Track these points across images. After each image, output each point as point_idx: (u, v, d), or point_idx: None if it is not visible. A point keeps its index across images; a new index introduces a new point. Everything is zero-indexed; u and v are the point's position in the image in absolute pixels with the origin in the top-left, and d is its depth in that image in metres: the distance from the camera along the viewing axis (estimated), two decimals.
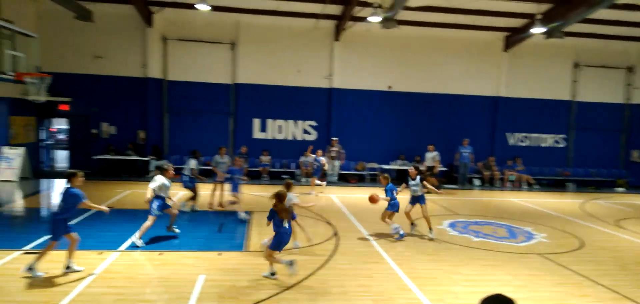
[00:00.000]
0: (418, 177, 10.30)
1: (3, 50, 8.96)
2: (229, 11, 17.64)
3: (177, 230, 9.59)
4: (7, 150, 16.03)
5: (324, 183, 16.69)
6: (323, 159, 16.25)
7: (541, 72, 20.79)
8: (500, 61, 20.39)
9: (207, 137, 19.14)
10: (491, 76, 20.49)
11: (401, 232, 10.03)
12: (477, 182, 19.70)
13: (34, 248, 8.31)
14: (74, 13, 15.38)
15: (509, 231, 11.33)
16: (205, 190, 13.11)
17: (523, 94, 20.74)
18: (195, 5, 15.10)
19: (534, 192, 18.56)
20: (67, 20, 16.82)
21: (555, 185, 20.58)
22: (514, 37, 19.61)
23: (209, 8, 15.03)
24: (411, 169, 10.43)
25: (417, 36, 19.72)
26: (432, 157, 17.14)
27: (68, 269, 7.21)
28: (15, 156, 15.96)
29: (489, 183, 19.67)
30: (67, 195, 7.04)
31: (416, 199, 10.42)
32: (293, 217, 7.67)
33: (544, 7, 16.62)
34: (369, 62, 19.79)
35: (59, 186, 15.64)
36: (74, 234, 7.23)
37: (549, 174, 20.80)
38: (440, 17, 18.04)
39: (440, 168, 18.63)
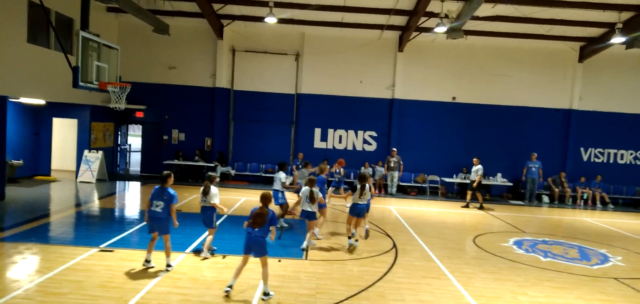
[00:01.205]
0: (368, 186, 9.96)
1: (90, 62, 9.77)
2: (295, 23, 18.07)
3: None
4: (87, 153, 17.37)
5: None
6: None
7: (620, 85, 19.41)
8: (574, 72, 19.30)
9: (269, 145, 19.67)
10: (563, 87, 19.43)
11: None
12: (546, 199, 18.69)
13: (108, 245, 8.92)
14: (152, 26, 16.44)
15: (581, 252, 10.66)
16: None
17: (599, 107, 19.47)
18: (263, 18, 15.60)
19: (609, 212, 17.33)
20: (145, 33, 18.02)
21: (633, 205, 19.08)
22: (590, 47, 18.49)
23: (276, 20, 15.47)
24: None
25: (483, 46, 19.15)
26: (475, 170, 16.37)
27: (147, 262, 7.85)
28: (95, 159, 17.23)
29: (559, 200, 18.59)
30: (166, 194, 7.64)
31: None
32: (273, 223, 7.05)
33: (625, 15, 15.56)
34: (433, 73, 19.46)
35: (136, 187, 16.67)
36: (156, 234, 7.87)
37: (626, 193, 19.31)
38: (509, 26, 17.41)
39: (484, 182, 17.62)
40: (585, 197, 18.53)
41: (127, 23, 18.73)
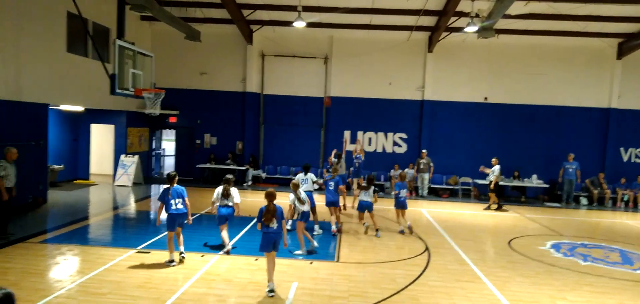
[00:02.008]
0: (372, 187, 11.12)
1: (126, 69, 10.08)
2: (323, 27, 18.13)
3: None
4: (123, 158, 17.90)
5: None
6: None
7: None
8: (612, 70, 18.64)
9: (299, 148, 19.79)
10: (601, 85, 18.79)
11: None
12: (583, 201, 18.07)
13: (145, 247, 9.16)
14: (184, 34, 16.82)
15: (624, 256, 10.27)
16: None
17: None
18: (292, 23, 15.73)
19: None
20: (177, 40, 18.44)
21: None
22: (630, 43, 17.81)
23: (305, 24, 15.57)
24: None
25: (516, 45, 18.73)
26: (492, 171, 15.94)
27: (182, 254, 8.45)
28: (131, 163, 17.74)
29: (597, 202, 17.95)
30: (175, 192, 8.32)
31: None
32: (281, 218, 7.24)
33: None
34: (463, 73, 19.16)
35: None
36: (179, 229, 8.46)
37: None
38: (542, 24, 16.99)
39: (503, 182, 17.18)
40: (625, 199, 17.83)
41: (160, 31, 19.22)
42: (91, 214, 12.71)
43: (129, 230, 11.13)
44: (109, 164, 18.88)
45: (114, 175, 17.98)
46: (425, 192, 18.25)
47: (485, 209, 15.97)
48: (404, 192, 11.55)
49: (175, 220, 8.30)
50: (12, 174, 9.50)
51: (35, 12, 12.53)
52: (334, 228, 11.01)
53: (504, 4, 13.43)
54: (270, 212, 7.09)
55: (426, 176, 18.23)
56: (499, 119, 19.15)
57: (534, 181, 18.06)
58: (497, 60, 18.97)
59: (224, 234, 9.15)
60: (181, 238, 8.53)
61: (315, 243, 9.56)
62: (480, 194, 18.70)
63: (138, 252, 8.87)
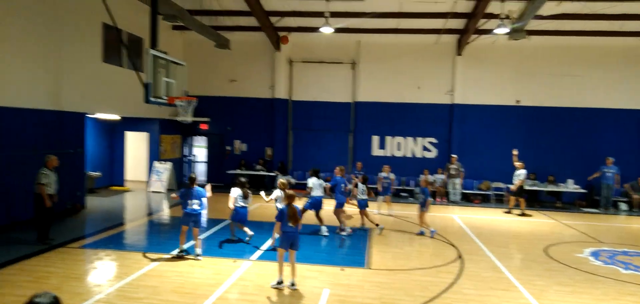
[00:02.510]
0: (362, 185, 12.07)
1: (159, 78, 10.33)
2: (350, 32, 18.14)
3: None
4: (157, 164, 18.32)
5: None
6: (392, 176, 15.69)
7: None
8: None
9: (327, 154, 19.79)
10: None
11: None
12: (623, 206, 17.41)
13: (179, 253, 9.33)
14: (214, 42, 17.16)
15: None
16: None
17: None
18: (319, 29, 15.81)
19: None
20: (208, 49, 18.79)
21: None
22: None
23: (332, 30, 15.63)
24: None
25: (548, 46, 18.25)
26: (516, 175, 15.64)
27: (184, 251, 9.16)
28: (164, 170, 18.15)
29: (638, 207, 17.26)
30: (193, 193, 9.03)
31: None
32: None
33: None
34: (494, 76, 18.81)
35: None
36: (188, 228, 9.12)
37: None
38: (576, 24, 16.51)
39: (528, 187, 16.84)
40: None
41: (191, 40, 19.63)
42: (127, 219, 13.07)
43: (163, 235, 11.37)
44: (143, 170, 19.36)
45: (148, 181, 18.43)
46: (458, 197, 17.96)
47: (506, 212, 15.73)
48: (422, 197, 11.89)
49: (189, 218, 9.06)
50: (53, 181, 9.85)
51: (73, 25, 13.02)
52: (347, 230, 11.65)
53: (535, 4, 13.16)
54: (292, 213, 7.51)
55: (458, 181, 17.94)
56: (532, 122, 18.69)
57: (570, 186, 17.52)
58: (529, 62, 18.54)
59: (246, 229, 10.18)
60: (199, 240, 9.17)
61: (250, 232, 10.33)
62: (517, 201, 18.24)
63: (172, 257, 9.05)
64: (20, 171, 11.18)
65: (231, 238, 10.44)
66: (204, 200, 9.20)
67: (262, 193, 10.53)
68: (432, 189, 18.16)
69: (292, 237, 7.54)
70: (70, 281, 7.55)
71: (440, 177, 18.18)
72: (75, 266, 8.38)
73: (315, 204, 11.38)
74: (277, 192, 9.99)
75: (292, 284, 7.49)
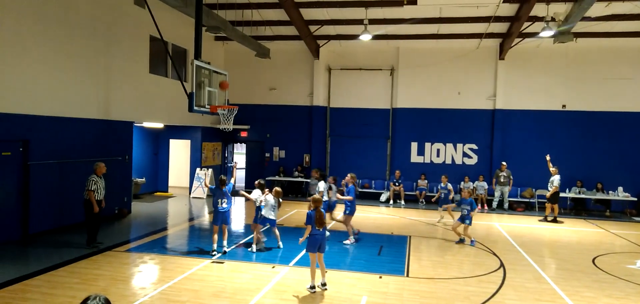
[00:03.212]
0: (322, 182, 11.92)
1: (203, 87, 10.65)
2: (389, 38, 18.08)
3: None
4: (199, 171, 18.84)
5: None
6: (449, 186, 15.15)
7: None
8: None
9: (365, 160, 19.75)
10: None
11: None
12: None
13: (219, 258, 9.56)
14: (254, 51, 17.51)
15: None
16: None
17: None
18: (358, 36, 15.85)
19: None
20: (248, 58, 19.20)
21: None
22: None
23: (371, 37, 15.62)
24: None
25: (596, 48, 17.52)
26: (551, 181, 15.27)
27: (224, 249, 9.87)
28: (205, 176, 18.62)
29: None
30: (227, 194, 10.03)
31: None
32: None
33: None
34: (539, 80, 18.21)
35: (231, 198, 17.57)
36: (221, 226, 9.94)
37: None
38: (626, 25, 15.77)
39: (575, 195, 16.55)
40: None
41: (233, 50, 20.12)
42: (170, 224, 13.50)
43: (204, 240, 11.65)
44: (186, 177, 19.94)
45: (190, 188, 18.97)
46: (506, 205, 17.48)
47: (541, 220, 15.22)
48: (466, 209, 11.52)
49: (219, 216, 9.90)
50: (101, 187, 10.32)
51: (122, 37, 13.65)
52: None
53: (582, 6, 12.68)
54: (318, 217, 7.72)
55: (506, 189, 17.44)
56: (579, 128, 17.95)
57: (620, 194, 16.68)
58: (576, 65, 17.85)
59: (276, 232, 10.58)
60: (226, 234, 10.03)
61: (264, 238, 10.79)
62: (559, 209, 17.58)
63: (213, 262, 9.28)
64: (72, 178, 11.79)
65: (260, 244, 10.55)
66: (232, 198, 10.41)
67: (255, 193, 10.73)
68: (474, 196, 17.79)
69: (320, 240, 7.71)
70: (117, 284, 7.88)
71: (482, 184, 17.74)
72: (121, 269, 8.74)
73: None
74: (257, 193, 10.52)
75: (324, 285, 7.74)
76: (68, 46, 11.61)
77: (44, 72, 10.94)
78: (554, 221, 15.12)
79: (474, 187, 17.50)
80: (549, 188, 15.27)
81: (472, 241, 11.47)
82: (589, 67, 17.78)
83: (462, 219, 11.47)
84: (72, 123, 11.85)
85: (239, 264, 9.16)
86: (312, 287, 7.63)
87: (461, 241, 11.61)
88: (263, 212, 10.32)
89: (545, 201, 15.61)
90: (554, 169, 15.38)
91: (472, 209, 11.50)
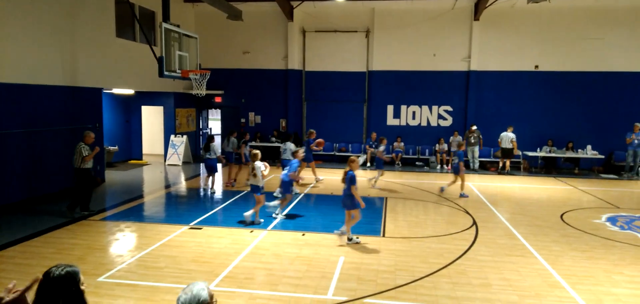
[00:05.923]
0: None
1: (173, 51, 10.37)
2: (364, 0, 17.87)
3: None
4: (173, 138, 18.54)
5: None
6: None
7: None
8: None
9: (342, 124, 19.78)
10: None
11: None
12: None
13: (197, 223, 9.52)
14: (226, 14, 17.04)
15: None
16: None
17: None
18: None
19: None
20: (220, 21, 18.71)
21: None
22: None
23: None
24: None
25: (570, 8, 17.71)
26: (509, 138, 16.78)
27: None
28: (180, 143, 18.36)
29: None
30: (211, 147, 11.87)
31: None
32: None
33: None
34: (512, 41, 18.38)
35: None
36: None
37: None
38: None
39: (546, 154, 17.46)
40: None
41: (203, 12, 19.55)
42: (145, 192, 13.32)
43: (181, 207, 11.59)
44: (160, 144, 19.62)
45: (165, 155, 18.69)
46: (477, 165, 17.87)
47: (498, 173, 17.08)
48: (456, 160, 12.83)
49: (207, 164, 12.46)
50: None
51: (85, 0, 13.06)
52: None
53: None
54: (344, 176, 8.33)
55: (476, 149, 17.80)
56: (551, 89, 18.31)
57: (589, 152, 17.23)
58: (549, 26, 18.05)
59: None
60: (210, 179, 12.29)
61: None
62: (530, 167, 18.10)
63: (191, 228, 9.24)
64: (41, 147, 11.44)
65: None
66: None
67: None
68: (446, 157, 18.13)
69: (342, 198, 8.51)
70: (94, 252, 7.78)
71: (457, 139, 17.98)
72: (98, 238, 8.63)
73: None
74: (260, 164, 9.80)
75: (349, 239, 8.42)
76: (29, 8, 11.05)
77: (3, 37, 10.43)
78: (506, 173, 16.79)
79: (464, 140, 17.78)
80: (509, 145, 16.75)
81: (461, 193, 12.65)
82: (561, 28, 18.01)
83: (456, 171, 12.73)
84: (36, 90, 11.40)
85: (217, 230, 9.15)
86: (350, 239, 8.32)
87: (442, 190, 13.02)
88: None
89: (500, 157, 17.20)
90: (509, 127, 17.03)
91: (460, 159, 12.58)
